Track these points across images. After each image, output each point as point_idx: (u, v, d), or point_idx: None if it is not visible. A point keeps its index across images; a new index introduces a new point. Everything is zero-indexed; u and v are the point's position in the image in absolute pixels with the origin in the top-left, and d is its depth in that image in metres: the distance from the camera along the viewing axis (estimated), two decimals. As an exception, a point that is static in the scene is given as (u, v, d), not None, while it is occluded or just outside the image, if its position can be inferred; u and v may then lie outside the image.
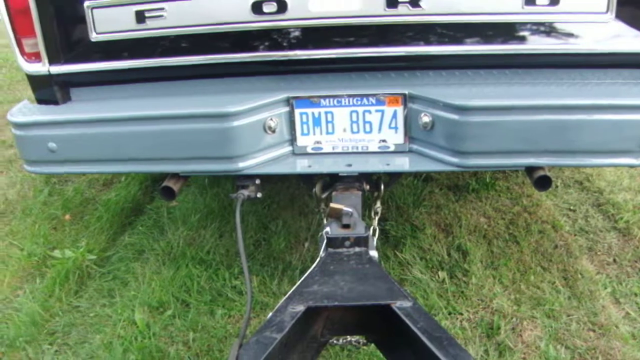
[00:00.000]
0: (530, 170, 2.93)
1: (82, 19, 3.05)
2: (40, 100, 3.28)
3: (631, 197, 4.96)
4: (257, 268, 4.20)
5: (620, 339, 3.40)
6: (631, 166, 2.84)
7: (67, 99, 3.27)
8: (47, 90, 3.22)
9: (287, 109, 2.99)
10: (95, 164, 3.11)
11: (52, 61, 3.13)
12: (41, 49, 3.10)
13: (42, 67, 3.14)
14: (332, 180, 3.19)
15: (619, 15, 2.80)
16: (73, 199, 5.45)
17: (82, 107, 3.19)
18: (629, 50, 2.86)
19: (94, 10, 3.03)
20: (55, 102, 3.24)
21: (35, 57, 3.13)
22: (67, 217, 5.16)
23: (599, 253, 4.26)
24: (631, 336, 3.43)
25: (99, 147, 3.01)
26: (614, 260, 4.17)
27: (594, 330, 3.49)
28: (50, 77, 3.16)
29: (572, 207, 4.90)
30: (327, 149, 3.07)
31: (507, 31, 2.88)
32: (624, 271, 4.04)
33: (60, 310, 3.95)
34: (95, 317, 3.87)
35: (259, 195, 3.12)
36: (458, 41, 2.91)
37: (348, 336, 2.57)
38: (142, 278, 4.19)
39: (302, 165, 3.04)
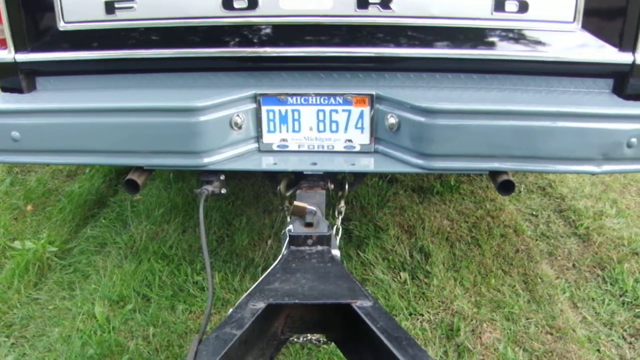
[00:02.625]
0: (494, 174, 2.96)
1: (50, 7, 3.01)
2: (5, 89, 3.22)
3: (592, 204, 5.04)
4: (219, 264, 4.19)
5: (577, 342, 3.45)
6: (592, 174, 2.88)
7: (32, 88, 3.23)
8: (12, 78, 3.17)
9: (254, 105, 2.99)
10: (59, 154, 3.06)
11: (18, 49, 3.08)
12: (7, 35, 3.05)
13: (7, 55, 3.09)
14: (296, 179, 3.19)
15: (585, 26, 2.84)
16: (35, 190, 5.38)
17: (47, 97, 3.15)
18: (594, 59, 2.90)
19: (63, -1, 3.01)
20: (20, 91, 3.19)
21: (0, 44, 3.08)
22: (29, 207, 5.10)
23: (559, 258, 4.32)
24: (587, 340, 3.48)
25: (63, 138, 2.98)
26: (573, 266, 4.23)
27: (551, 334, 3.54)
28: (15, 65, 3.12)
29: (534, 212, 4.96)
30: (292, 147, 3.07)
31: (475, 36, 2.90)
32: (582, 276, 4.10)
33: (18, 303, 3.90)
34: (55, 310, 3.83)
35: (223, 191, 3.11)
36: (427, 44, 2.93)
37: (308, 334, 2.58)
38: (103, 271, 4.15)
39: (267, 163, 3.04)
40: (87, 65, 3.15)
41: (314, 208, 2.75)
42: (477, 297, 3.83)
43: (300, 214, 2.74)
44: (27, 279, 4.10)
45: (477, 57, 2.93)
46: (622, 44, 2.85)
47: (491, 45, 2.92)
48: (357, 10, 2.86)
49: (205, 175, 3.08)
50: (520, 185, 5.36)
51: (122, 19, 2.99)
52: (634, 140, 2.74)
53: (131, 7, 2.95)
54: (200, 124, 2.83)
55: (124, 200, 5.15)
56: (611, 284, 4.01)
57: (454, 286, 3.93)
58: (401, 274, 4.06)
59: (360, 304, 2.19)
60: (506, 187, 2.90)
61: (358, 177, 3.47)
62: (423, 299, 3.83)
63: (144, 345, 3.49)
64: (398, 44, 2.93)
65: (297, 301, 2.25)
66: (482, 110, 2.74)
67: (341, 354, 2.61)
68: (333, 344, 2.68)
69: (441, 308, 3.75)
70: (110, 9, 2.97)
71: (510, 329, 3.56)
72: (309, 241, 2.63)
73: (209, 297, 2.55)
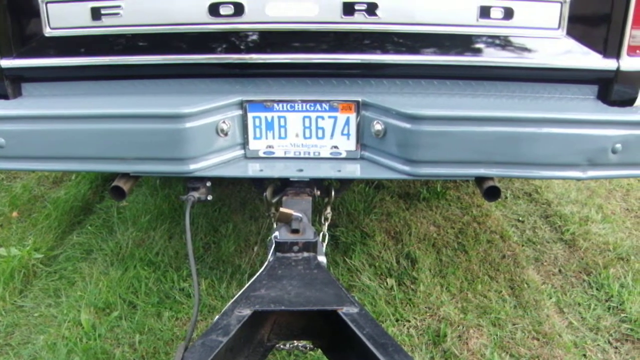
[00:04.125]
0: (480, 180, 2.98)
1: (36, 13, 3.00)
2: (-10, 95, 3.22)
3: (577, 210, 5.06)
4: (206, 271, 4.17)
5: (563, 347, 3.46)
6: (578, 179, 2.91)
7: (18, 94, 3.21)
8: (-3, 84, 3.17)
9: (240, 112, 2.98)
10: (44, 161, 3.05)
11: (3, 55, 3.07)
12: (-8, 41, 3.05)
13: (-8, 61, 3.09)
14: (283, 185, 3.19)
15: (570, 32, 2.87)
16: (21, 196, 5.36)
17: (33, 103, 3.14)
18: (578, 66, 2.92)
19: (49, 5, 2.99)
20: (5, 97, 3.18)
21: (-15, 50, 3.08)
22: (15, 214, 5.08)
23: (545, 263, 4.34)
24: (573, 345, 3.49)
25: (49, 145, 2.96)
26: (560, 271, 4.25)
27: (538, 339, 3.55)
28: (1, 70, 3.10)
29: (520, 218, 4.98)
30: (279, 153, 3.07)
31: (461, 43, 2.92)
32: (568, 282, 4.12)
33: (3, 310, 3.88)
34: (40, 318, 3.80)
35: (210, 197, 3.10)
36: (413, 51, 2.94)
37: (295, 341, 2.58)
38: (89, 278, 4.13)
39: (253, 169, 3.04)
40: (73, 72, 3.14)
41: (300, 214, 2.75)
42: (464, 303, 3.84)
43: (286, 220, 2.74)
44: (12, 286, 4.07)
45: (462, 63, 2.95)
46: (607, 51, 2.87)
47: (477, 51, 2.94)
48: (343, 17, 2.86)
49: (192, 181, 3.07)
50: (507, 191, 5.38)
51: (108, 25, 2.98)
52: (618, 146, 2.77)
53: (117, 14, 2.95)
54: (187, 131, 2.83)
55: (110, 207, 5.13)
56: (597, 289, 4.03)
57: (441, 292, 3.93)
58: (388, 280, 4.06)
59: (346, 311, 2.20)
60: (492, 193, 2.91)
61: (344, 184, 3.47)
62: (410, 305, 3.83)
63: (130, 353, 3.48)
64: (384, 51, 2.94)
65: (283, 308, 2.26)
66: (468, 117, 2.75)
67: (328, 361, 2.61)
68: (320, 350, 2.67)
69: (428, 314, 3.75)
70: (96, 15, 2.97)
71: (497, 335, 3.56)
72: (295, 248, 2.63)
73: (195, 304, 2.55)
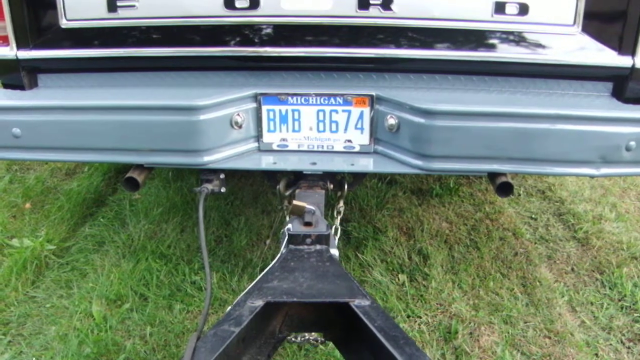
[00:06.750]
0: (492, 176, 2.96)
1: (52, 5, 3.03)
2: (6, 85, 3.25)
3: (591, 208, 5.04)
4: (217, 264, 4.19)
5: (575, 346, 3.45)
6: (591, 176, 2.90)
7: (34, 84, 3.24)
8: (13, 75, 3.18)
9: (254, 105, 2.99)
10: (59, 151, 3.06)
11: (20, 46, 3.10)
12: (9, 32, 3.06)
13: (9, 52, 3.10)
14: (296, 178, 3.19)
15: (585, 29, 2.86)
16: (34, 187, 5.38)
17: (48, 94, 3.16)
18: (593, 63, 2.91)
19: (65, -4, 3.02)
20: (21, 87, 3.20)
21: (2, 40, 3.09)
22: (28, 205, 5.10)
23: (557, 262, 4.32)
24: (585, 344, 3.48)
25: (64, 135, 2.97)
26: (572, 269, 4.23)
27: (549, 337, 3.54)
28: (17, 61, 3.13)
29: (533, 216, 4.96)
30: (292, 146, 3.07)
31: (476, 38, 2.92)
32: (581, 280, 4.10)
33: (15, 300, 3.90)
34: (52, 308, 3.82)
35: (223, 189, 3.11)
36: (427, 46, 2.94)
37: (306, 334, 2.58)
38: (101, 270, 4.15)
39: (267, 162, 3.04)
40: (88, 63, 3.16)
41: (312, 207, 2.75)
42: (476, 300, 3.83)
43: (299, 213, 2.74)
44: (25, 277, 4.10)
45: (477, 59, 2.94)
46: (622, 48, 2.86)
47: (491, 47, 2.93)
48: (358, 11, 2.87)
49: (205, 173, 3.08)
50: (520, 188, 5.36)
51: (124, 17, 3.00)
52: (632, 143, 2.75)
53: (133, 6, 2.97)
54: (201, 123, 2.83)
55: (122, 199, 5.15)
56: (610, 288, 4.01)
57: (452, 289, 3.93)
58: (399, 275, 4.06)
59: (358, 303, 2.20)
60: (504, 189, 2.90)
61: (357, 178, 3.48)
62: (421, 301, 3.83)
63: (141, 345, 3.49)
64: (398, 45, 2.94)
65: (295, 299, 2.25)
66: (482, 112, 2.74)
67: (339, 355, 2.61)
68: (330, 344, 2.68)
69: (439, 310, 3.75)
70: (112, 7, 2.98)
71: (509, 332, 3.56)
72: (308, 240, 2.64)
73: (207, 295, 2.55)
